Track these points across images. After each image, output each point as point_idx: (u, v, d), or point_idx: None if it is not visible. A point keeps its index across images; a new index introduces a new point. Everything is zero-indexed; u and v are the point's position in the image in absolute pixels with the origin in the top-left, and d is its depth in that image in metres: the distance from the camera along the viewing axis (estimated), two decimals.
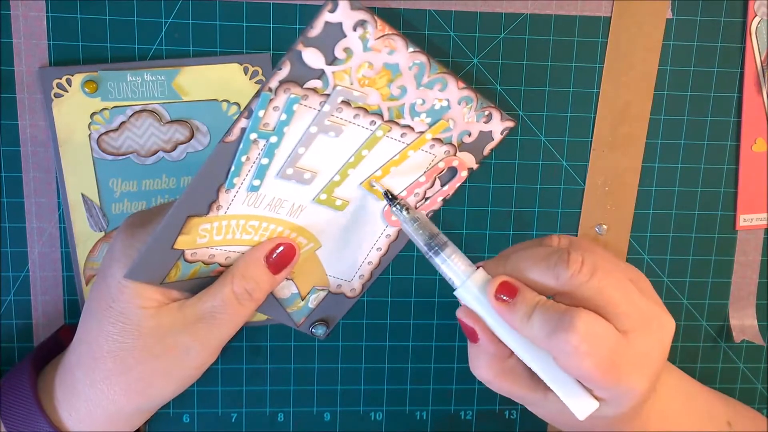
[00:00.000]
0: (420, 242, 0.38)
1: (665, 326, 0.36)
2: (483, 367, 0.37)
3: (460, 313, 0.37)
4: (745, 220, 0.50)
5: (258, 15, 0.45)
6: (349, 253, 0.43)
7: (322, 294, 0.44)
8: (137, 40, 0.44)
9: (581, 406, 0.35)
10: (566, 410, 0.36)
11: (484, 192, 0.48)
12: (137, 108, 0.45)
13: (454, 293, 0.37)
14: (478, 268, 0.37)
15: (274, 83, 0.35)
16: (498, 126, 0.41)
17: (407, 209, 0.38)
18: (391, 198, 0.39)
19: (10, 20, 0.43)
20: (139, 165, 0.45)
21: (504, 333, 0.36)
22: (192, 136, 0.45)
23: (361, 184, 0.40)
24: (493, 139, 0.42)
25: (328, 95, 0.36)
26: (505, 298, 0.35)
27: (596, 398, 0.35)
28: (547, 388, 0.36)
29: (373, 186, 0.40)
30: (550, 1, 0.46)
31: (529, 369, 0.36)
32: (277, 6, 0.45)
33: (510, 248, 0.38)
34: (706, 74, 0.48)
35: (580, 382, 0.35)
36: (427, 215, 0.43)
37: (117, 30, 0.44)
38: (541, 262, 0.35)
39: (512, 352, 0.36)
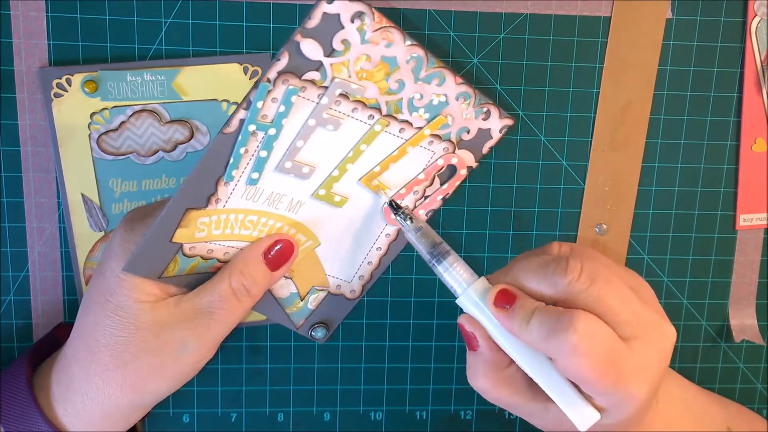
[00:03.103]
0: (423, 251, 0.38)
1: (666, 334, 0.36)
2: (480, 375, 0.37)
3: (461, 320, 0.37)
4: (745, 220, 0.50)
5: (258, 15, 0.45)
6: (348, 251, 0.43)
7: (322, 294, 0.44)
8: (137, 40, 0.44)
9: (582, 416, 0.35)
10: (565, 421, 0.35)
11: (484, 192, 0.48)
12: (137, 108, 0.45)
13: (456, 301, 0.37)
14: (480, 277, 0.37)
15: (272, 74, 0.35)
16: (497, 124, 0.41)
17: (411, 218, 0.39)
18: (395, 207, 0.40)
19: (10, 20, 0.43)
20: (139, 165, 0.45)
21: (503, 340, 0.36)
22: (192, 136, 0.45)
23: (359, 180, 0.40)
24: (492, 138, 0.42)
25: (327, 87, 0.36)
26: (505, 306, 0.35)
27: (597, 408, 0.35)
28: (547, 399, 0.36)
29: (377, 190, 0.40)
30: (550, 1, 0.46)
31: (529, 379, 0.36)
32: (277, 6, 0.45)
33: (513, 259, 0.39)
34: (706, 74, 0.48)
35: (580, 390, 0.35)
36: (427, 215, 0.43)
37: (117, 30, 0.44)
38: (540, 271, 0.36)
39: (511, 362, 0.36)
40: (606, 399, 0.35)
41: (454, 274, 0.37)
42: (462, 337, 0.37)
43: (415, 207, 0.42)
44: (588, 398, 0.35)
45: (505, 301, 0.35)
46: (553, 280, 0.35)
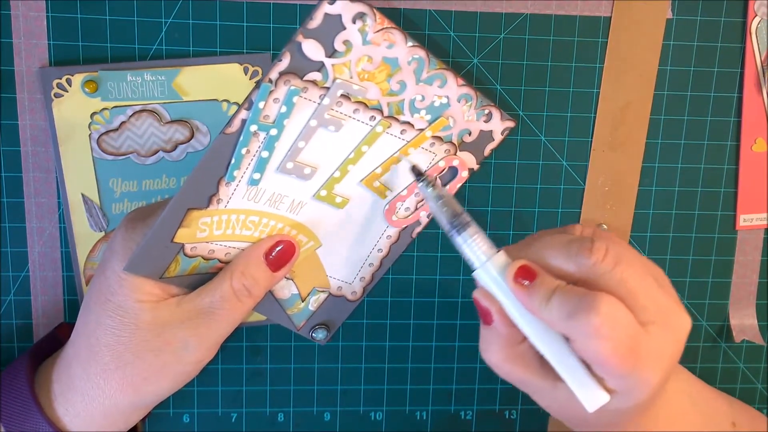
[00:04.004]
0: (443, 221, 0.37)
1: (683, 323, 0.36)
2: (493, 350, 0.36)
3: (477, 294, 0.36)
4: (745, 220, 0.50)
5: (258, 15, 0.45)
6: (349, 253, 0.43)
7: (323, 296, 0.44)
8: (137, 40, 0.44)
9: (592, 398, 0.35)
10: (573, 402, 0.35)
11: (484, 192, 0.48)
12: (137, 108, 0.45)
13: (473, 274, 0.36)
14: (499, 251, 0.36)
15: (274, 74, 0.35)
16: (498, 126, 0.41)
17: (433, 185, 0.38)
18: (417, 173, 0.39)
19: (10, 20, 0.43)
20: (139, 165, 0.45)
21: (519, 317, 0.35)
22: (192, 136, 0.45)
23: (361, 181, 0.40)
24: (493, 140, 0.42)
25: (328, 88, 0.36)
26: (524, 282, 0.35)
27: (607, 390, 0.35)
28: (557, 378, 0.35)
29: (401, 160, 0.40)
30: (550, 1, 0.46)
31: (540, 357, 0.36)
32: (277, 6, 0.45)
33: (533, 234, 0.38)
34: (706, 74, 0.48)
35: (591, 372, 0.35)
36: (428, 216, 0.43)
37: (117, 30, 0.44)
38: (564, 249, 0.35)
39: (524, 338, 0.36)
40: (619, 382, 0.34)
41: (474, 246, 0.36)
42: (477, 312, 0.37)
43: (416, 208, 0.42)
44: (599, 380, 0.35)
45: (525, 277, 0.35)
46: (577, 259, 0.34)
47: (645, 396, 0.35)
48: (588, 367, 0.35)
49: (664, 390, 0.38)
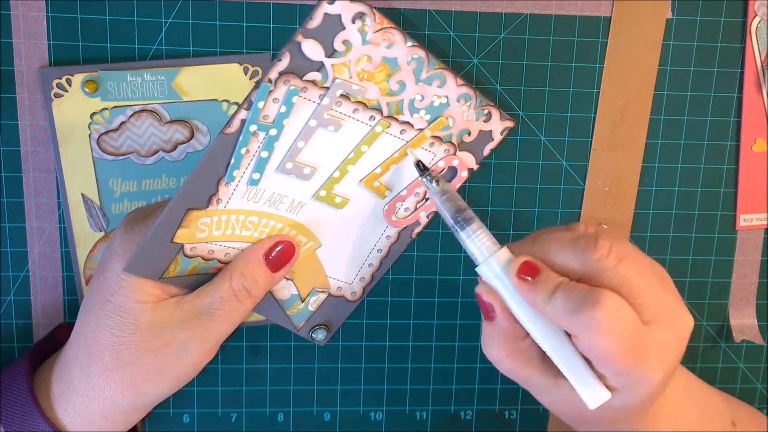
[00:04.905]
0: (447, 215, 0.37)
1: (685, 322, 0.36)
2: (495, 346, 0.36)
3: (479, 289, 0.36)
4: (745, 220, 0.50)
5: (258, 15, 0.45)
6: (349, 253, 0.43)
7: (323, 296, 0.43)
8: (137, 40, 0.44)
9: (593, 395, 0.35)
10: (574, 399, 0.35)
11: (484, 192, 0.48)
12: (137, 108, 0.45)
13: (476, 269, 0.37)
14: (502, 247, 0.37)
15: (273, 74, 0.35)
16: (498, 126, 0.41)
17: (437, 181, 0.38)
18: (422, 168, 0.39)
19: (10, 20, 0.43)
20: (139, 165, 0.45)
21: (522, 313, 0.35)
22: (192, 136, 0.45)
23: (360, 181, 0.40)
24: (492, 140, 0.42)
25: (328, 88, 0.36)
26: (527, 278, 0.35)
27: (609, 388, 0.35)
28: (558, 375, 0.35)
29: (408, 153, 0.40)
30: (550, 1, 0.46)
31: (542, 353, 0.36)
32: (277, 6, 0.45)
33: (537, 231, 0.38)
34: (706, 74, 0.48)
35: (594, 369, 0.35)
36: (428, 216, 0.43)
37: (117, 30, 0.44)
38: (568, 245, 0.35)
39: (526, 335, 0.36)
40: (621, 379, 0.34)
41: (477, 241, 0.36)
42: (480, 308, 0.37)
43: (416, 208, 0.42)
44: (601, 378, 0.35)
45: (528, 273, 0.35)
46: (582, 255, 0.34)
47: (646, 394, 0.35)
48: (590, 364, 0.35)
49: (665, 389, 0.38)
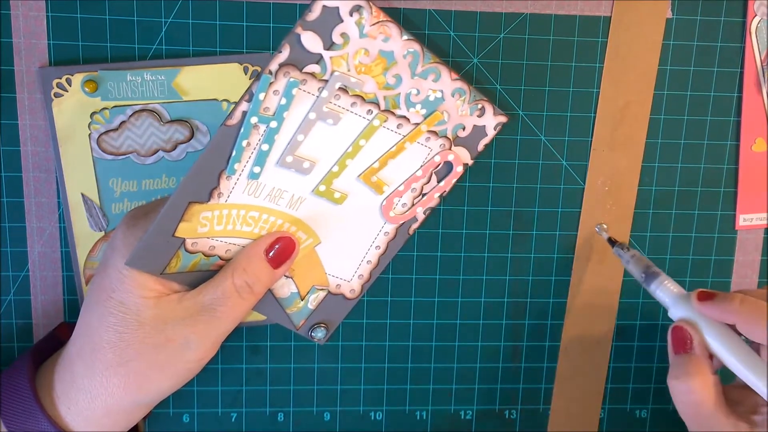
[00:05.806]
0: (636, 272, 0.44)
1: None
2: (692, 375, 0.39)
3: (680, 323, 0.41)
4: (745, 219, 0.50)
5: (258, 15, 0.45)
6: (347, 250, 0.43)
7: (322, 294, 0.44)
8: (137, 40, 0.44)
9: None
10: None
11: (484, 192, 0.48)
12: (137, 108, 0.45)
13: (668, 314, 0.42)
14: (687, 292, 0.42)
15: (274, 66, 0.36)
16: (491, 121, 0.41)
17: (627, 249, 0.45)
18: (613, 242, 0.46)
19: (10, 20, 0.43)
20: (139, 165, 0.45)
21: (715, 342, 0.40)
22: (192, 136, 0.45)
23: (359, 176, 0.40)
24: (486, 135, 0.42)
25: (327, 81, 0.37)
26: (707, 300, 0.40)
27: None
28: (740, 418, 0.38)
29: (596, 230, 0.47)
30: (550, 1, 0.46)
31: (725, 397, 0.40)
32: (277, 6, 0.45)
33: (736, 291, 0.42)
34: (706, 74, 0.48)
35: None
36: (425, 212, 0.43)
37: (117, 30, 0.44)
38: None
39: (715, 370, 0.40)
40: None
41: (665, 290, 0.42)
42: (671, 343, 0.41)
43: (413, 204, 0.42)
44: None
45: (706, 297, 0.40)
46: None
47: None
48: None
49: None
